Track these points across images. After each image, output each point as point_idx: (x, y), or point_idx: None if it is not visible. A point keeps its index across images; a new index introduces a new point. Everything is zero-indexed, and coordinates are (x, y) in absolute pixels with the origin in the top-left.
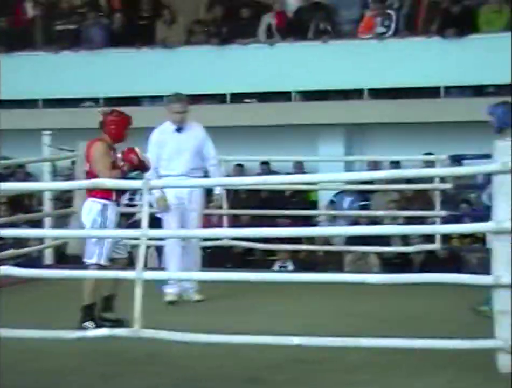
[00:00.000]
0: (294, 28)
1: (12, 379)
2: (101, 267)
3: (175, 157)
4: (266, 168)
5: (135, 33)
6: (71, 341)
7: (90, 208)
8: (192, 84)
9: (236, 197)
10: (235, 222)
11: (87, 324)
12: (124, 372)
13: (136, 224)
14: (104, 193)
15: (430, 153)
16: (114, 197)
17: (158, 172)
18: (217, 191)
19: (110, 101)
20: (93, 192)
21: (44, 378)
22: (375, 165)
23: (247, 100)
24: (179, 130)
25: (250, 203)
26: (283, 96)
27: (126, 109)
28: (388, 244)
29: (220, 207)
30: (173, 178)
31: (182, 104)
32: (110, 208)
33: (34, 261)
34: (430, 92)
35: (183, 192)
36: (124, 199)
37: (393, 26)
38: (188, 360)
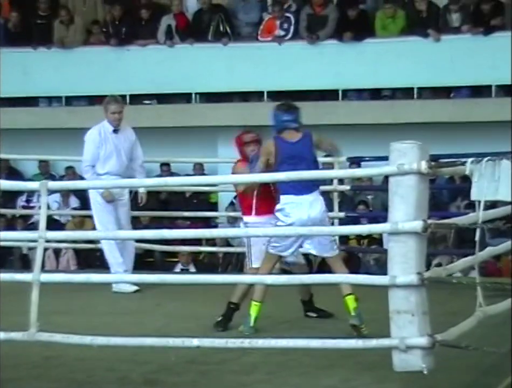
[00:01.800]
0: (194, 30)
1: None
2: None
3: (113, 157)
4: (167, 169)
5: (32, 32)
6: None
7: None
8: (91, 85)
9: (135, 198)
10: (135, 223)
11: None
12: (21, 376)
13: (33, 226)
14: None
15: (329, 156)
16: None
17: (96, 171)
18: (142, 189)
19: (5, 101)
20: None
21: None
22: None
23: (146, 101)
24: (115, 131)
25: (150, 204)
26: (183, 97)
27: (22, 109)
28: None
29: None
30: (110, 177)
31: (119, 105)
32: None
33: None
34: (329, 95)
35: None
36: (21, 201)
37: (292, 29)
38: (86, 363)
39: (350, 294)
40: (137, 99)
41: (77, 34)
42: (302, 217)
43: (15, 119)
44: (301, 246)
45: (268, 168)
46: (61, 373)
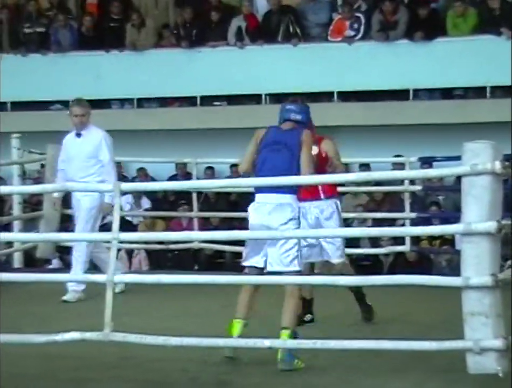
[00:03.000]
0: (264, 31)
1: None
2: None
3: (74, 161)
4: (236, 170)
5: (105, 35)
6: (40, 345)
7: None
8: (162, 87)
9: (206, 200)
10: (205, 225)
11: None
12: (97, 376)
13: (106, 227)
14: None
15: (399, 156)
16: None
17: (65, 174)
18: (107, 199)
19: None
20: None
21: (12, 383)
22: (345, 168)
23: (216, 103)
24: (78, 135)
25: (220, 205)
26: (253, 98)
27: (95, 112)
28: (357, 246)
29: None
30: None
31: (81, 108)
32: None
33: (2, 264)
34: (399, 95)
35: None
36: None
37: (362, 29)
38: (159, 364)
39: (285, 328)
40: (207, 101)
41: (148, 37)
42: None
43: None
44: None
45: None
46: (136, 373)
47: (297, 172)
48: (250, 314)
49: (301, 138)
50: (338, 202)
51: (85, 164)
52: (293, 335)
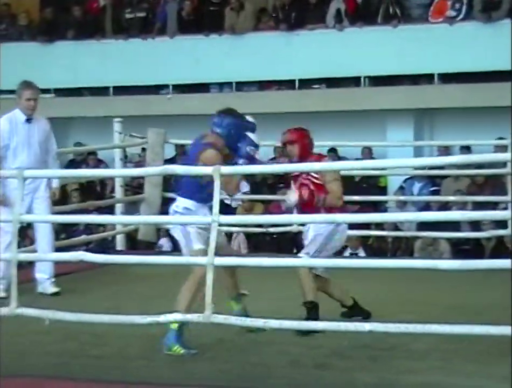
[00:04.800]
0: (363, 13)
1: (82, 363)
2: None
3: (24, 148)
4: (333, 154)
5: (204, 20)
6: (143, 326)
7: None
8: (261, 71)
9: None
10: None
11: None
12: (195, 357)
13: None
14: None
15: (502, 138)
16: None
17: (5, 163)
18: (54, 184)
19: (178, 88)
20: None
21: (110, 362)
22: (445, 151)
23: (315, 86)
24: (28, 120)
25: None
26: (352, 81)
27: (195, 96)
28: (458, 230)
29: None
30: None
31: (34, 92)
32: None
33: (105, 247)
34: (502, 76)
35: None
36: None
37: (464, 9)
38: (258, 346)
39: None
40: (306, 83)
41: (247, 21)
42: None
43: (187, 106)
44: None
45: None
46: (234, 355)
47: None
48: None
49: (199, 153)
50: None
51: (39, 151)
52: None
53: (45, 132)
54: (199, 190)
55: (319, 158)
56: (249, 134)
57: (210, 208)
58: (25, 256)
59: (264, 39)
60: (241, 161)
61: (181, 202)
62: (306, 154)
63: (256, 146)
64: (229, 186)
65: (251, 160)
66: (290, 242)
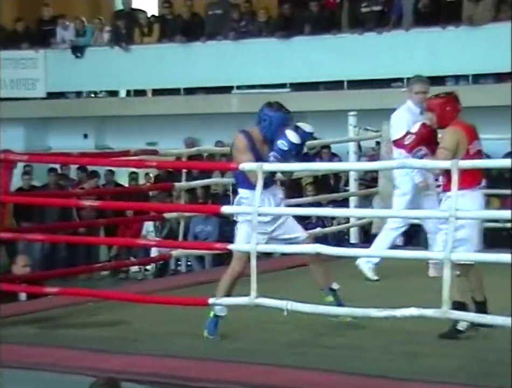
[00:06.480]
0: None
1: (319, 353)
2: None
3: None
4: None
5: (441, 11)
6: (379, 319)
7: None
8: (499, 62)
9: None
10: None
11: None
12: (427, 351)
13: None
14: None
15: None
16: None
17: None
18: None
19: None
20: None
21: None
22: None
23: None
24: (421, 112)
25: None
26: None
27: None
28: None
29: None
30: None
31: (423, 85)
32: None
33: (338, 240)
34: None
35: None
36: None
37: None
38: (492, 343)
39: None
40: None
41: (486, 11)
42: None
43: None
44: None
45: None
46: (469, 351)
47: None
48: None
49: None
50: None
51: None
52: None
53: None
54: None
55: (466, 127)
56: (290, 133)
57: None
58: (263, 248)
59: (503, 30)
60: (271, 157)
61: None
62: (445, 123)
63: (293, 144)
64: None
65: (282, 157)
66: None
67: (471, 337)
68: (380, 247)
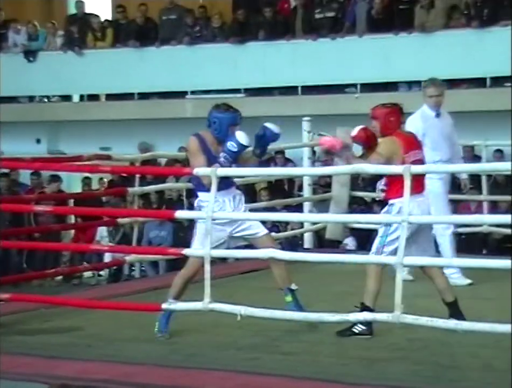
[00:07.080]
0: None
1: (272, 359)
2: None
3: (441, 142)
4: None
5: (394, 18)
6: (332, 324)
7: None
8: (451, 69)
9: (495, 183)
10: (494, 208)
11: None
12: (384, 357)
13: None
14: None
15: None
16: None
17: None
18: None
19: (367, 87)
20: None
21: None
22: None
23: (507, 84)
24: (437, 115)
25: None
26: None
27: (383, 95)
28: None
29: None
30: (440, 164)
31: (436, 89)
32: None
33: (292, 245)
34: None
35: None
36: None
37: None
38: (449, 347)
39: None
40: (497, 82)
41: (437, 18)
42: None
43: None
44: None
45: None
46: (424, 356)
47: None
48: None
49: None
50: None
51: (452, 145)
52: None
53: (450, 125)
54: None
55: (405, 137)
56: (239, 134)
57: None
58: (217, 253)
59: (455, 37)
60: (221, 157)
61: None
62: (387, 132)
63: (241, 145)
64: None
65: (232, 158)
66: (480, 243)
67: (427, 341)
68: (447, 255)
